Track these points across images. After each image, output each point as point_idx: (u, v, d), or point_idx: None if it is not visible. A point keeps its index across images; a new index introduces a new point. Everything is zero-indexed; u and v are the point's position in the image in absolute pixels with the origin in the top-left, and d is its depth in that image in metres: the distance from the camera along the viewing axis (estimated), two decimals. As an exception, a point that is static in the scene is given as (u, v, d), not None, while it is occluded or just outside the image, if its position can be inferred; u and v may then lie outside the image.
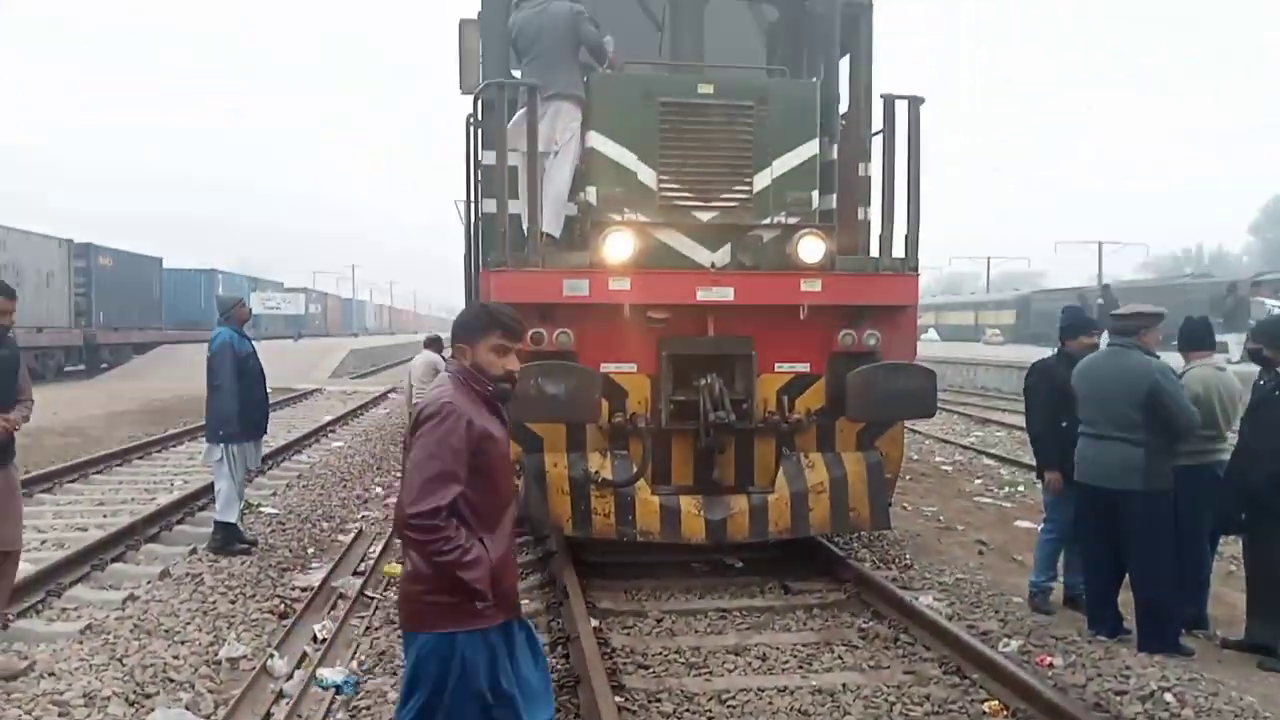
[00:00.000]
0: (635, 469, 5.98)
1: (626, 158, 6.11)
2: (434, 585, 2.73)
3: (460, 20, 6.75)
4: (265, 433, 7.84)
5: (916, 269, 6.50)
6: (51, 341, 27.11)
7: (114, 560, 6.82)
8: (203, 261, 46.11)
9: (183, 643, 5.21)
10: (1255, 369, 5.43)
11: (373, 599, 6.14)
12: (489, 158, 6.38)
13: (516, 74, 6.58)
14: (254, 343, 7.62)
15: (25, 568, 6.30)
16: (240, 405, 7.17)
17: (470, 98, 6.78)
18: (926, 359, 27.33)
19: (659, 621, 5.63)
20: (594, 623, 5.28)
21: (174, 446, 12.93)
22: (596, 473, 5.95)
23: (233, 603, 6.01)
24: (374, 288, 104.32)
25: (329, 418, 16.73)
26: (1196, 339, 5.73)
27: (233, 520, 7.28)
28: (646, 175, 6.12)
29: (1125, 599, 5.39)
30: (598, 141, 6.11)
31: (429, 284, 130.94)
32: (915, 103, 6.25)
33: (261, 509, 8.84)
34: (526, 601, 5.99)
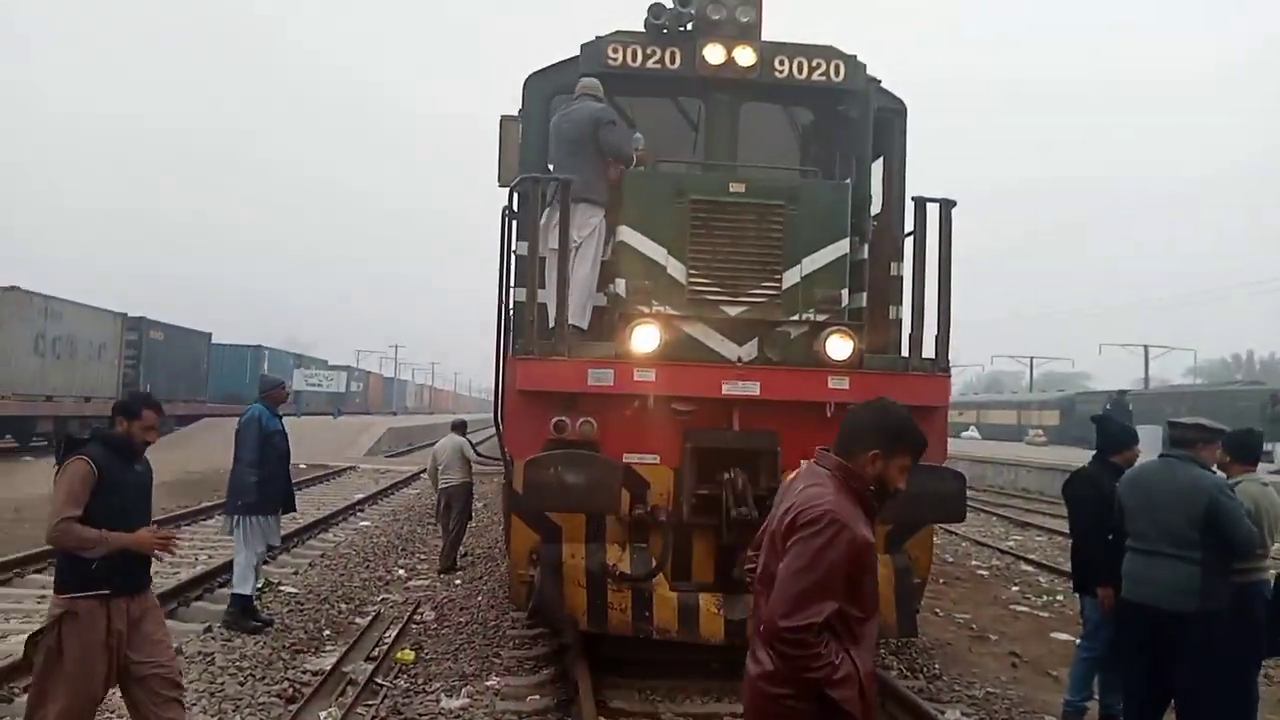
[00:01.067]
0: (654, 563, 5.87)
1: (657, 252, 6.17)
2: (798, 692, 2.59)
3: (501, 116, 6.96)
4: (288, 510, 7.88)
5: (947, 370, 6.42)
6: (97, 411, 27.65)
7: (129, 635, 6.78)
8: (251, 337, 47.22)
9: (186, 725, 5.11)
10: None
11: (382, 686, 6.02)
12: (521, 248, 6.50)
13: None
14: (283, 420, 7.74)
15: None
16: (259, 479, 7.27)
17: (507, 191, 6.95)
18: (966, 457, 26.71)
19: (672, 725, 5.45)
20: (604, 724, 5.11)
21: (203, 520, 13.01)
22: (614, 566, 5.84)
23: (241, 684, 5.94)
24: (416, 368, 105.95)
25: (360, 496, 16.80)
26: (1245, 451, 5.52)
27: (247, 593, 7.29)
28: (676, 269, 6.16)
29: (1167, 722, 5.11)
30: (628, 235, 6.19)
31: (471, 366, 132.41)
32: (947, 205, 6.26)
33: (281, 588, 8.81)
34: (535, 697, 5.84)
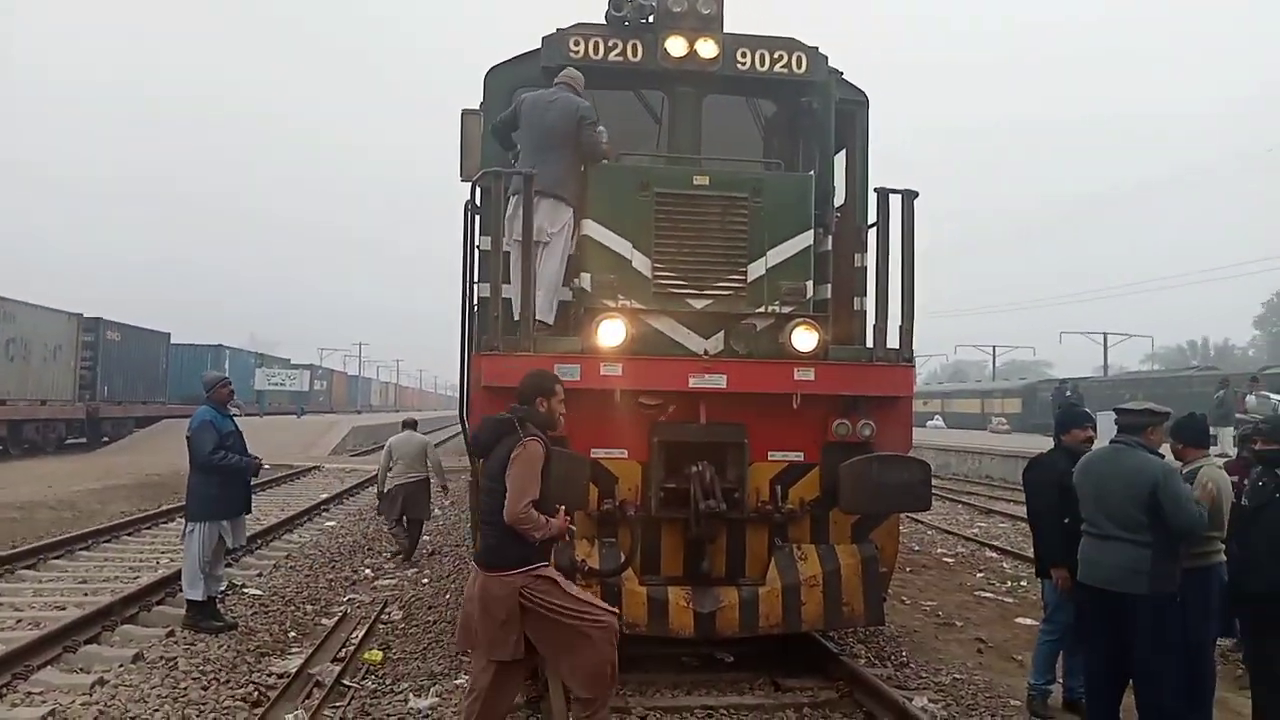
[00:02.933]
0: (623, 558, 5.85)
1: (622, 245, 6.16)
2: None
3: (462, 110, 6.89)
4: (248, 511, 7.75)
5: (911, 360, 6.48)
6: (53, 415, 27.14)
7: (88, 642, 6.65)
8: (213, 337, 46.58)
9: (148, 732, 5.03)
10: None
11: (349, 688, 5.95)
12: (485, 243, 6.45)
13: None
14: (237, 420, 7.61)
15: (-6, 648, 6.17)
16: (219, 483, 7.16)
17: (469, 185, 6.87)
18: (931, 446, 26.97)
19: (643, 719, 5.44)
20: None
21: (164, 523, 12.77)
22: (583, 561, 5.82)
23: (205, 689, 5.84)
24: (381, 365, 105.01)
25: (324, 495, 16.59)
26: (1195, 435, 5.64)
27: (197, 598, 7.18)
28: (641, 263, 6.15)
29: (1128, 703, 5.19)
30: (593, 230, 6.16)
31: (436, 363, 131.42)
32: (909, 196, 6.31)
33: (245, 590, 8.67)
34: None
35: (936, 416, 58.43)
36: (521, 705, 5.62)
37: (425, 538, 11.67)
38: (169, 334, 37.09)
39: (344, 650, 6.80)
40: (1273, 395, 19.14)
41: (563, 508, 4.39)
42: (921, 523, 14.50)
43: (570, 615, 4.19)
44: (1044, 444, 8.42)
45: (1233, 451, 16.63)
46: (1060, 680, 5.92)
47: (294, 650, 6.86)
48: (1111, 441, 5.30)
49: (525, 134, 6.47)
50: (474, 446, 4.38)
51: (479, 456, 4.41)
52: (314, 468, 22.71)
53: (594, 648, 4.18)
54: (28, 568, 9.34)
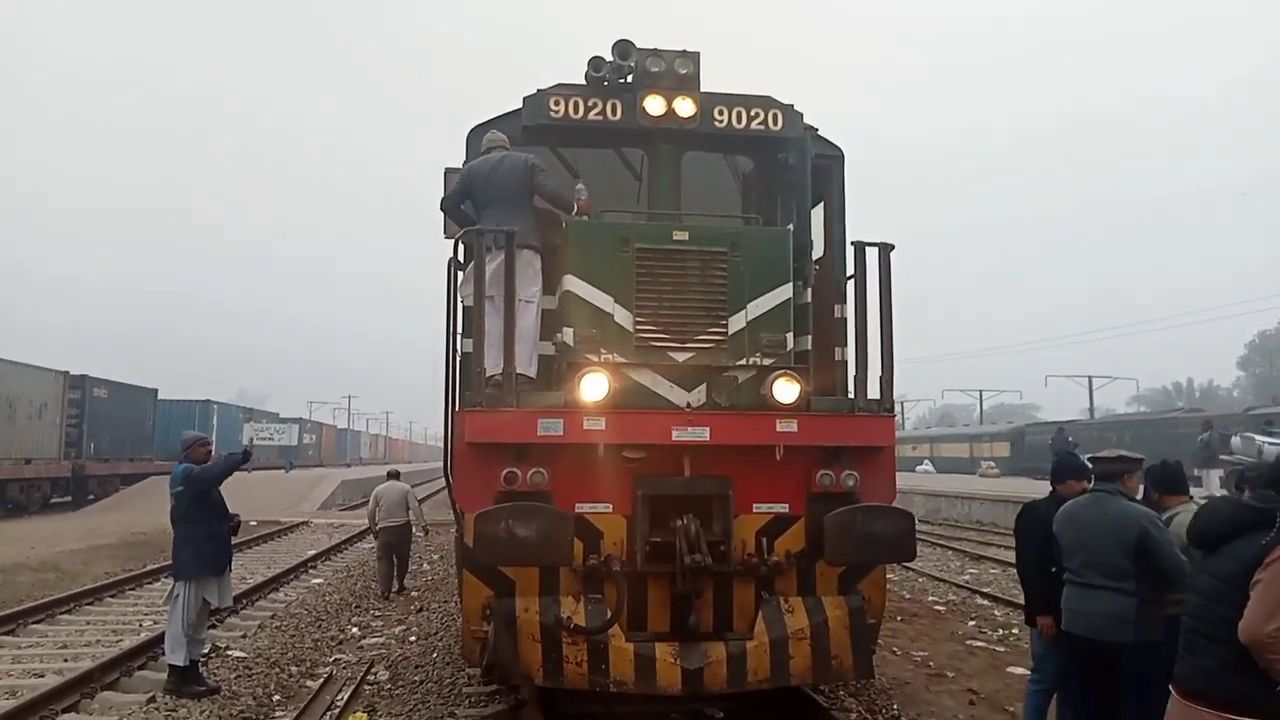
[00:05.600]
0: (609, 614, 5.81)
1: (603, 300, 6.22)
2: None
3: (445, 169, 7.00)
4: (229, 569, 7.67)
5: (892, 410, 6.51)
6: (38, 474, 26.91)
7: (66, 710, 6.54)
8: (202, 392, 46.40)
9: (126, 804, 4.93)
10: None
11: (333, 753, 5.86)
12: (468, 298, 6.50)
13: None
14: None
15: (-29, 719, 6.05)
16: (201, 542, 7.13)
17: (451, 242, 6.95)
18: (921, 491, 26.94)
19: (631, 779, 5.37)
20: (561, 781, 5.03)
21: (149, 584, 12.63)
22: (569, 618, 5.78)
23: (186, 757, 5.74)
24: (370, 418, 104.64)
25: (312, 552, 16.45)
26: (1172, 482, 5.66)
27: (180, 663, 7.06)
28: (623, 317, 6.20)
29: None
30: (575, 285, 6.23)
31: (425, 414, 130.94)
32: (885, 249, 6.40)
33: (229, 652, 8.56)
34: (492, 757, 5.73)
35: (926, 461, 58.44)
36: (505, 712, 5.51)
37: (414, 594, 11.62)
38: (156, 390, 37.00)
39: (329, 714, 6.71)
40: (1258, 437, 19.19)
41: None
42: (912, 570, 14.43)
43: None
44: (1033, 486, 8.41)
45: (1219, 493, 16.69)
46: (1051, 731, 5.87)
47: (278, 714, 6.76)
48: (1090, 490, 5.33)
49: (482, 197, 6.58)
50: (1198, 536, 3.44)
51: (1199, 546, 3.49)
52: (301, 523, 22.51)
53: None
54: (7, 633, 9.20)
